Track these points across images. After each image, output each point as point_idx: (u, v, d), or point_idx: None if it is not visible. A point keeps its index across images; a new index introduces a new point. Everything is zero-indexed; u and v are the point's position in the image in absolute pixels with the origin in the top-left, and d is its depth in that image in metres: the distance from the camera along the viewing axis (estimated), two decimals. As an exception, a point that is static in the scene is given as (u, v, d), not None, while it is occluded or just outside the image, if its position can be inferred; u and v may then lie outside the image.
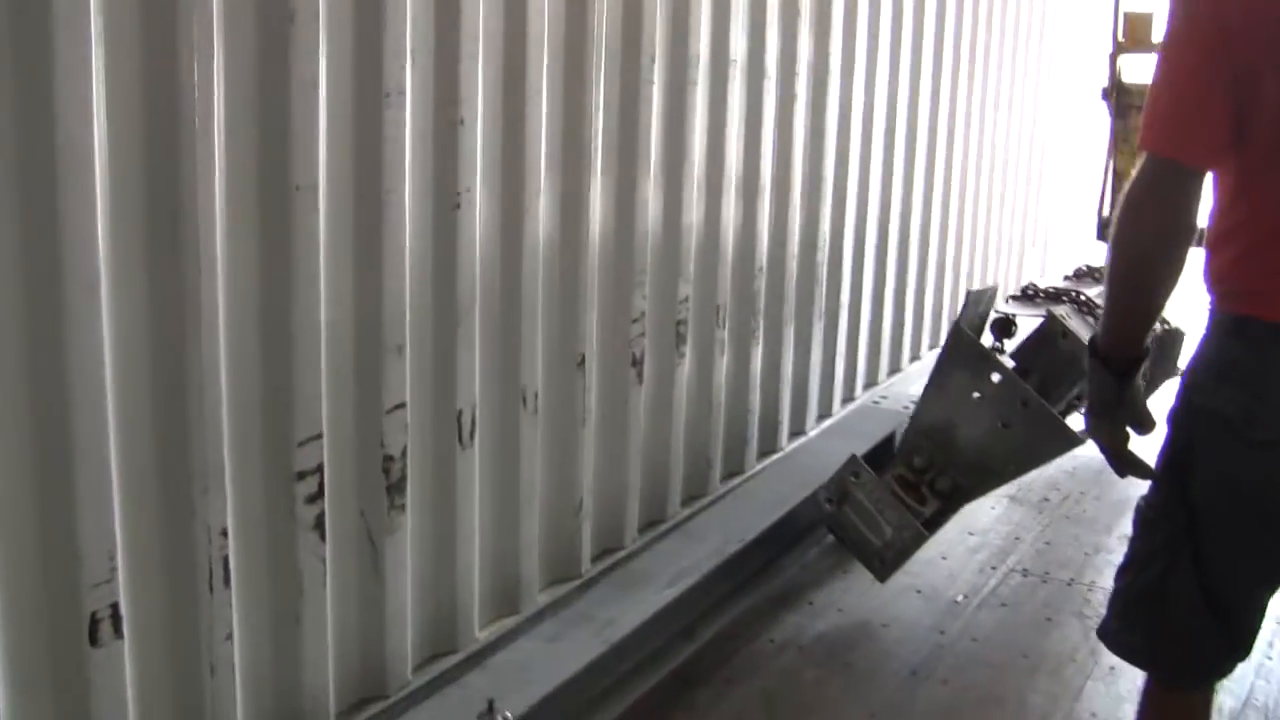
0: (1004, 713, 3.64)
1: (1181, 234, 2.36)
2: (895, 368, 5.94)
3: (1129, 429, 2.54)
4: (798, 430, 4.98)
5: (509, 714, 2.80)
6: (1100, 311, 4.32)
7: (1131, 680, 3.73)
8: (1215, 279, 2.42)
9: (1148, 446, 2.53)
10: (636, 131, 3.62)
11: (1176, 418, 2.48)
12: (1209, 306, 2.45)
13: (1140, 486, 2.60)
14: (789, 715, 3.59)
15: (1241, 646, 2.54)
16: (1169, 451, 2.50)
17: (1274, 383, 2.30)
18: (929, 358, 6.10)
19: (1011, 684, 3.79)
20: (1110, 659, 3.82)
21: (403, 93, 2.76)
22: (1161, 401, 2.51)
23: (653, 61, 3.62)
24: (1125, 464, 2.56)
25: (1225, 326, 2.40)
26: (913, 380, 5.87)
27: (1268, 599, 2.51)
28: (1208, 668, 2.58)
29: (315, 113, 2.56)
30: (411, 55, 2.78)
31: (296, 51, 2.49)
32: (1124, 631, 2.62)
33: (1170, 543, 2.48)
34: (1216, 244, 2.41)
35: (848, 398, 5.44)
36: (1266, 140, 2.29)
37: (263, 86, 2.47)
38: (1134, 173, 2.40)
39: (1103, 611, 4.16)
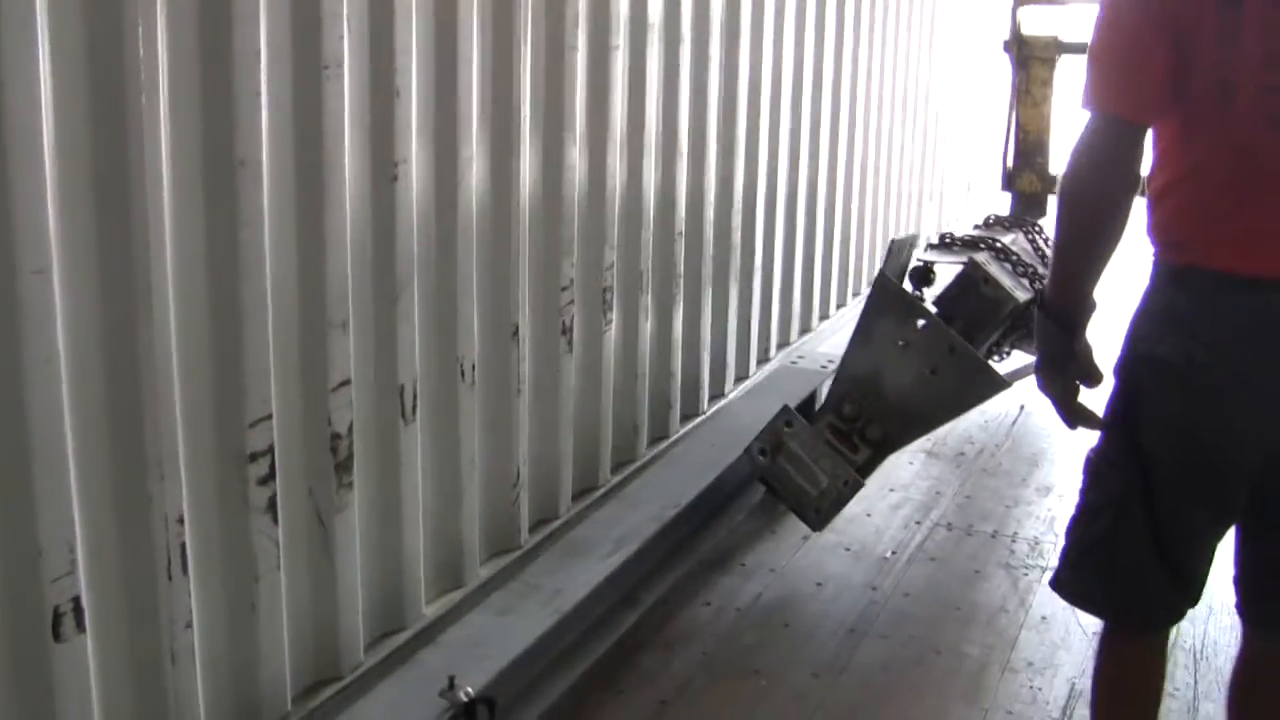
0: (944, 665, 3.70)
1: (1126, 189, 2.41)
2: (806, 327, 5.97)
3: (1078, 382, 2.59)
4: (717, 393, 4.99)
5: (469, 690, 2.77)
6: (1016, 257, 4.42)
7: (1063, 627, 3.84)
8: (1157, 230, 2.47)
9: (1094, 399, 2.58)
10: (562, 97, 3.58)
11: (1123, 368, 2.54)
12: (1151, 257, 2.50)
13: (1087, 439, 2.65)
14: (734, 677, 3.61)
15: (1191, 592, 2.61)
16: (1116, 402, 2.56)
17: (1214, 328, 2.37)
18: (838, 315, 6.18)
19: (948, 636, 3.85)
20: (1041, 609, 3.95)
21: (341, 64, 2.70)
22: (1106, 354, 2.56)
23: (576, 26, 3.58)
24: (1076, 416, 2.61)
25: (1168, 277, 2.45)
26: (824, 338, 5.93)
27: (1215, 545, 2.58)
28: (1160, 613, 2.64)
29: (258, 85, 2.49)
30: (347, 24, 2.72)
31: (239, 22, 2.42)
32: (1078, 581, 2.68)
33: (1121, 492, 2.53)
34: (1158, 197, 2.46)
35: (763, 359, 5.46)
36: (1205, 93, 2.33)
37: (205, 59, 2.40)
38: (1080, 131, 2.44)
39: (1028, 562, 4.34)
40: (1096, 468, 2.62)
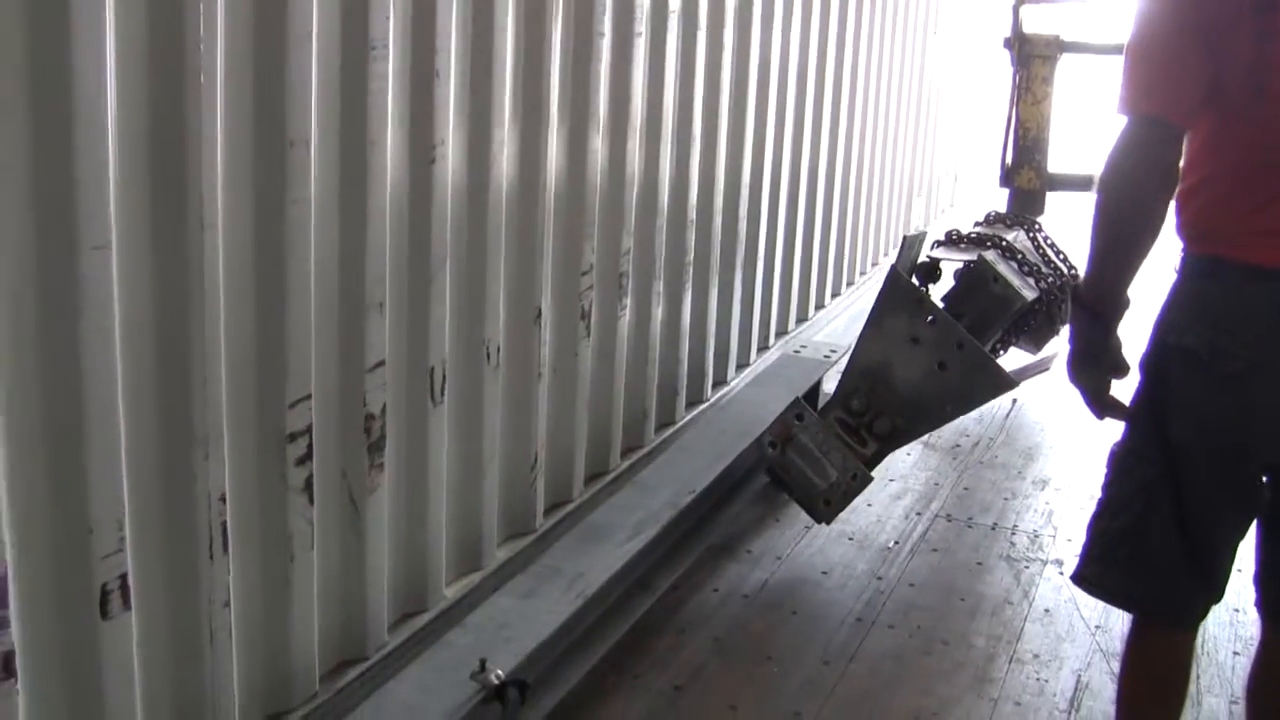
0: (952, 655, 3.73)
1: (1165, 190, 2.46)
2: (803, 316, 5.99)
3: (1109, 375, 2.63)
4: (720, 380, 5.00)
5: (500, 672, 2.78)
6: (1021, 256, 4.46)
7: (1066, 621, 3.88)
8: (1188, 224, 2.51)
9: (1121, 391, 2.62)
10: (588, 83, 3.58)
11: (1150, 360, 2.58)
12: (1180, 252, 2.54)
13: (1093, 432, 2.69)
14: (746, 663, 3.63)
15: (1215, 587, 2.64)
16: (1144, 394, 2.59)
17: (1240, 318, 2.42)
18: (833, 305, 6.20)
19: (954, 627, 3.88)
20: (1044, 601, 3.99)
21: (386, 45, 2.70)
22: (1133, 346, 2.59)
23: (604, 12, 3.58)
24: (1106, 408, 2.65)
25: (1198, 268, 2.50)
26: (820, 327, 5.96)
27: (1238, 540, 2.61)
28: (1185, 607, 2.67)
29: (309, 66, 2.49)
30: (392, 5, 2.71)
31: (293, 2, 2.42)
32: (1105, 575, 2.70)
33: (1149, 484, 2.57)
34: (1190, 193, 2.51)
35: (763, 346, 5.48)
36: (1239, 93, 2.37)
37: (259, 40, 2.40)
38: (1117, 135, 2.47)
39: (1029, 555, 4.37)
40: (1122, 460, 2.65)
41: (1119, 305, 2.59)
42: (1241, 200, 2.43)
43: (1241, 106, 2.39)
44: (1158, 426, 2.55)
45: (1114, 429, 2.68)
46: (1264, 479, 2.56)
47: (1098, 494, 2.70)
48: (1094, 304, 2.58)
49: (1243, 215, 2.43)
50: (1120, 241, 2.52)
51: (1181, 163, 2.51)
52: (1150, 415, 2.57)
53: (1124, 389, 2.64)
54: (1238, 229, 2.43)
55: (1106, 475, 2.69)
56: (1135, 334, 2.59)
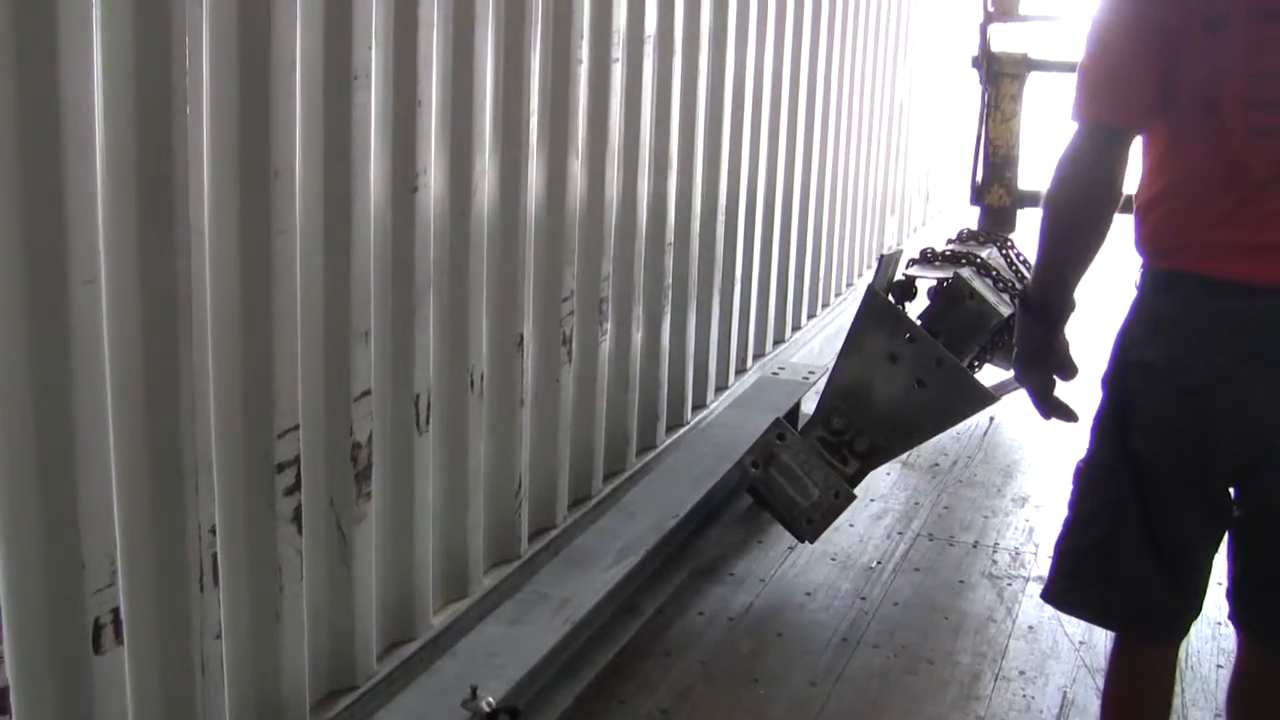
0: (937, 674, 3.74)
1: (1110, 195, 2.49)
2: (780, 337, 6.01)
3: (1055, 376, 2.66)
4: (699, 403, 5.01)
5: (491, 700, 2.78)
6: (996, 272, 4.49)
7: (1051, 637, 3.90)
8: (1147, 238, 2.54)
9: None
10: (566, 110, 3.60)
11: (1112, 377, 2.60)
12: (1140, 266, 2.56)
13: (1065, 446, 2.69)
14: (733, 685, 3.63)
15: (1191, 600, 2.64)
16: (1108, 408, 2.61)
17: (1198, 331, 2.44)
18: (810, 326, 6.22)
19: (939, 645, 3.90)
20: (1028, 619, 4.01)
21: (369, 74, 2.71)
22: (1093, 361, 2.62)
23: (582, 38, 3.60)
24: (1051, 408, 2.68)
25: (1156, 283, 2.52)
26: (798, 348, 5.98)
27: (1211, 553, 2.62)
28: (1161, 622, 2.66)
29: (292, 97, 2.50)
30: (375, 35, 2.72)
31: (277, 33, 2.43)
32: (1075, 590, 2.70)
33: (1117, 500, 2.58)
34: (1147, 208, 2.53)
35: (741, 369, 5.49)
36: (1192, 107, 2.40)
37: (244, 70, 2.41)
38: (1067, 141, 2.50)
39: (1011, 572, 4.39)
40: (1089, 476, 2.66)
41: (1064, 307, 2.61)
42: (1198, 215, 2.45)
43: (1195, 121, 2.42)
44: (1123, 441, 2.57)
45: (1086, 443, 2.69)
46: (1231, 491, 2.57)
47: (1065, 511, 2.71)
48: (1039, 306, 2.61)
49: (1199, 230, 2.45)
50: (1065, 245, 2.55)
51: (1139, 178, 2.54)
52: (1115, 430, 2.58)
53: (1078, 397, 2.65)
54: (1195, 243, 2.46)
55: (1073, 492, 2.69)
56: (1088, 340, 2.61)
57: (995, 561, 4.49)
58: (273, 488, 2.60)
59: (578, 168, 3.70)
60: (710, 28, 4.60)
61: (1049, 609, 3.93)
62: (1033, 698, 3.62)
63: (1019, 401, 2.72)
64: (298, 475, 2.65)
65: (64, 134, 1.98)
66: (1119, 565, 2.60)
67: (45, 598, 2.12)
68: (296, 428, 2.63)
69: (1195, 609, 2.67)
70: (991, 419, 5.75)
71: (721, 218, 4.96)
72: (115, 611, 2.20)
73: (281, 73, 2.46)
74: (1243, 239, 2.40)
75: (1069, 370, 2.64)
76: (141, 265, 2.22)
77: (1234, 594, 2.68)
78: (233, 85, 2.39)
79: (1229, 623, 2.73)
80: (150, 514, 2.32)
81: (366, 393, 2.84)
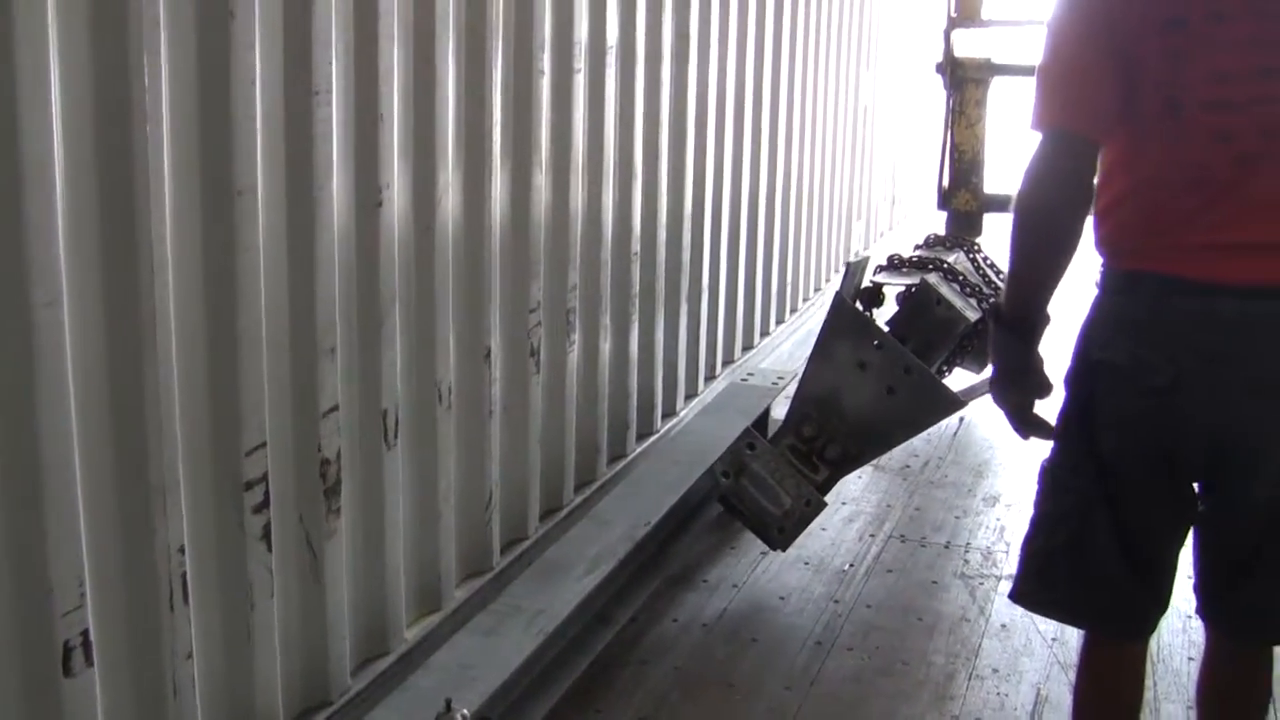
0: (912, 674, 3.75)
1: (1080, 204, 2.47)
2: (749, 344, 6.03)
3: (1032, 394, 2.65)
4: (669, 411, 5.03)
5: (466, 712, 2.78)
6: (963, 277, 4.51)
7: (1024, 635, 3.92)
8: (1107, 239, 2.53)
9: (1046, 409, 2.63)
10: (529, 121, 3.61)
11: (1075, 377, 2.59)
12: (1101, 268, 2.56)
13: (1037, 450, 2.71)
14: (709, 692, 3.64)
15: (1159, 596, 2.65)
16: (1072, 410, 2.60)
17: (1162, 331, 2.44)
18: (778, 331, 6.24)
19: (913, 646, 3.91)
20: (1001, 617, 4.02)
21: (330, 90, 2.71)
22: (1057, 364, 2.62)
23: (544, 50, 3.61)
24: (1030, 426, 2.65)
25: (1118, 284, 2.52)
26: (766, 354, 5.99)
27: (1177, 549, 2.63)
28: (1130, 619, 2.67)
29: (253, 114, 2.50)
30: (335, 50, 2.73)
31: (237, 50, 2.43)
32: (1044, 590, 2.69)
33: (1083, 499, 2.57)
34: (1107, 210, 2.53)
35: (710, 376, 5.51)
36: (1152, 110, 2.41)
37: (204, 88, 2.41)
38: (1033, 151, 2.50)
39: (983, 572, 4.40)
40: (1054, 476, 2.64)
41: (1039, 322, 2.58)
42: (1159, 216, 2.45)
43: (1155, 122, 2.41)
44: (1087, 441, 2.56)
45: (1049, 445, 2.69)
46: (1196, 487, 2.58)
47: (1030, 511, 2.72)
48: (1014, 322, 2.58)
49: (1161, 230, 2.45)
50: (1037, 257, 2.52)
51: (1098, 179, 2.54)
52: (1079, 430, 2.58)
53: (1048, 407, 2.65)
54: (1157, 244, 2.45)
55: (1039, 492, 2.68)
56: (1057, 350, 2.61)
57: (967, 561, 4.51)
58: (241, 505, 2.60)
59: (542, 179, 3.71)
60: (673, 37, 4.62)
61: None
62: (1007, 695, 3.64)
63: (988, 402, 2.71)
64: (266, 493, 2.65)
65: (22, 155, 1.98)
66: (1086, 564, 2.61)
67: (14, 621, 2.11)
68: (264, 445, 2.63)
69: (1163, 605, 2.68)
70: (961, 420, 5.77)
71: (688, 226, 4.98)
72: (85, 634, 2.19)
73: (242, 90, 2.46)
74: (1205, 239, 2.41)
75: (1045, 387, 2.61)
76: (104, 286, 2.22)
77: (1200, 588, 2.69)
78: (193, 104, 2.39)
79: (1198, 616, 2.75)
80: (118, 535, 2.31)
81: (334, 408, 2.84)
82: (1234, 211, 2.40)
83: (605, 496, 4.14)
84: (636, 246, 4.47)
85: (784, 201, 6.34)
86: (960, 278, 4.59)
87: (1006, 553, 4.56)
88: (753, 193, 5.81)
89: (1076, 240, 2.47)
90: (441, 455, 3.33)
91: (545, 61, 3.64)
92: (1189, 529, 2.62)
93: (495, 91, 3.40)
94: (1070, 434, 2.61)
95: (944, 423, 5.43)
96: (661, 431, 4.87)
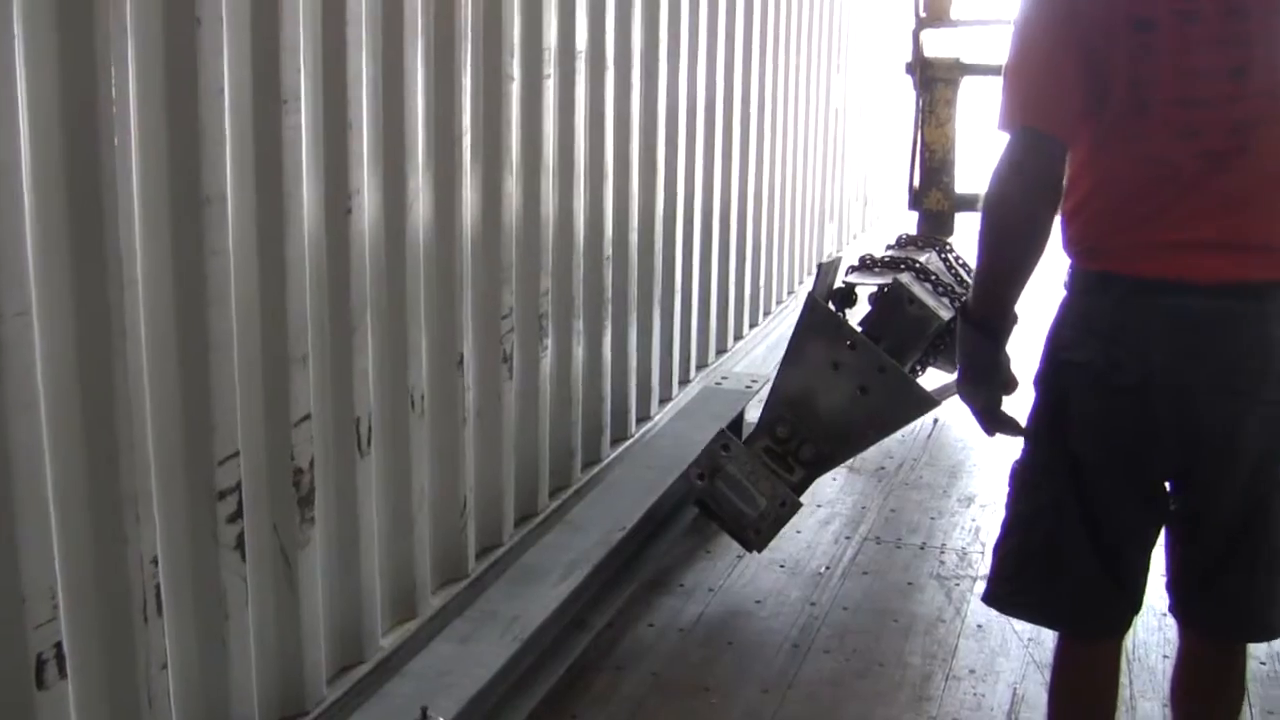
0: (888, 676, 3.76)
1: (1049, 203, 2.48)
2: (723, 347, 6.03)
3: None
4: (643, 415, 5.03)
5: (442, 719, 2.77)
6: (935, 277, 4.52)
7: (1000, 635, 3.93)
8: (1075, 239, 2.54)
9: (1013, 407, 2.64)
10: (499, 126, 3.61)
11: (1045, 377, 2.60)
12: (1069, 268, 2.57)
13: (1010, 451, 2.71)
14: (685, 696, 3.64)
15: (1132, 595, 2.66)
16: (1042, 411, 2.60)
17: (1132, 330, 2.44)
18: (752, 335, 6.25)
19: (889, 648, 3.92)
20: (976, 617, 4.03)
21: (299, 97, 2.70)
22: (1023, 362, 2.62)
23: (513, 55, 3.61)
24: (998, 424, 2.66)
25: (1087, 284, 2.52)
26: (740, 358, 6.00)
27: (1150, 548, 2.64)
28: (1105, 619, 2.68)
29: (221, 122, 2.49)
30: (303, 57, 2.72)
31: (204, 57, 2.42)
32: (1018, 593, 2.70)
33: (1055, 500, 2.58)
34: (1075, 208, 2.53)
35: (684, 379, 5.51)
36: (1120, 108, 2.41)
37: (172, 96, 2.39)
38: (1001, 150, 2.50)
39: (959, 572, 4.42)
40: (1025, 478, 2.65)
41: (1007, 321, 2.58)
42: (1127, 214, 2.46)
43: (1123, 121, 2.42)
44: (1058, 441, 2.56)
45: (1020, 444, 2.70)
46: (1167, 486, 2.59)
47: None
48: (982, 321, 2.58)
49: (1129, 229, 2.46)
50: (1005, 257, 2.52)
51: (1066, 179, 2.54)
52: (1050, 431, 2.58)
53: (1016, 405, 2.66)
54: (1125, 243, 2.46)
55: (1010, 494, 2.69)
56: (1024, 350, 2.62)
57: (943, 562, 4.52)
58: (215, 515, 2.59)
59: (513, 185, 3.71)
60: (642, 41, 4.62)
61: (997, 607, 3.98)
62: (984, 695, 3.65)
63: (962, 405, 2.71)
64: (239, 502, 2.63)
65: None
66: (1059, 565, 2.61)
67: (-15, 634, 2.10)
68: (237, 454, 2.62)
69: (1136, 604, 2.68)
70: (936, 421, 5.78)
71: (659, 229, 4.98)
72: (58, 646, 2.18)
73: (210, 98, 2.45)
74: (1173, 238, 2.42)
75: (1011, 385, 2.62)
76: (74, 296, 2.21)
77: (1173, 587, 2.70)
78: (160, 112, 2.38)
79: (1171, 615, 2.76)
80: (91, 546, 2.30)
81: (306, 417, 2.83)
82: (1201, 210, 2.41)
83: (580, 502, 4.15)
84: (609, 251, 4.47)
85: (756, 204, 6.34)
86: (933, 277, 4.59)
87: (982, 553, 4.56)
88: (725, 196, 5.82)
89: (1044, 240, 2.47)
90: (415, 462, 3.32)
91: (515, 67, 3.64)
92: (1161, 528, 2.63)
93: (465, 97, 3.39)
94: (1041, 435, 2.61)
95: (918, 424, 5.46)
96: (636, 436, 4.87)
